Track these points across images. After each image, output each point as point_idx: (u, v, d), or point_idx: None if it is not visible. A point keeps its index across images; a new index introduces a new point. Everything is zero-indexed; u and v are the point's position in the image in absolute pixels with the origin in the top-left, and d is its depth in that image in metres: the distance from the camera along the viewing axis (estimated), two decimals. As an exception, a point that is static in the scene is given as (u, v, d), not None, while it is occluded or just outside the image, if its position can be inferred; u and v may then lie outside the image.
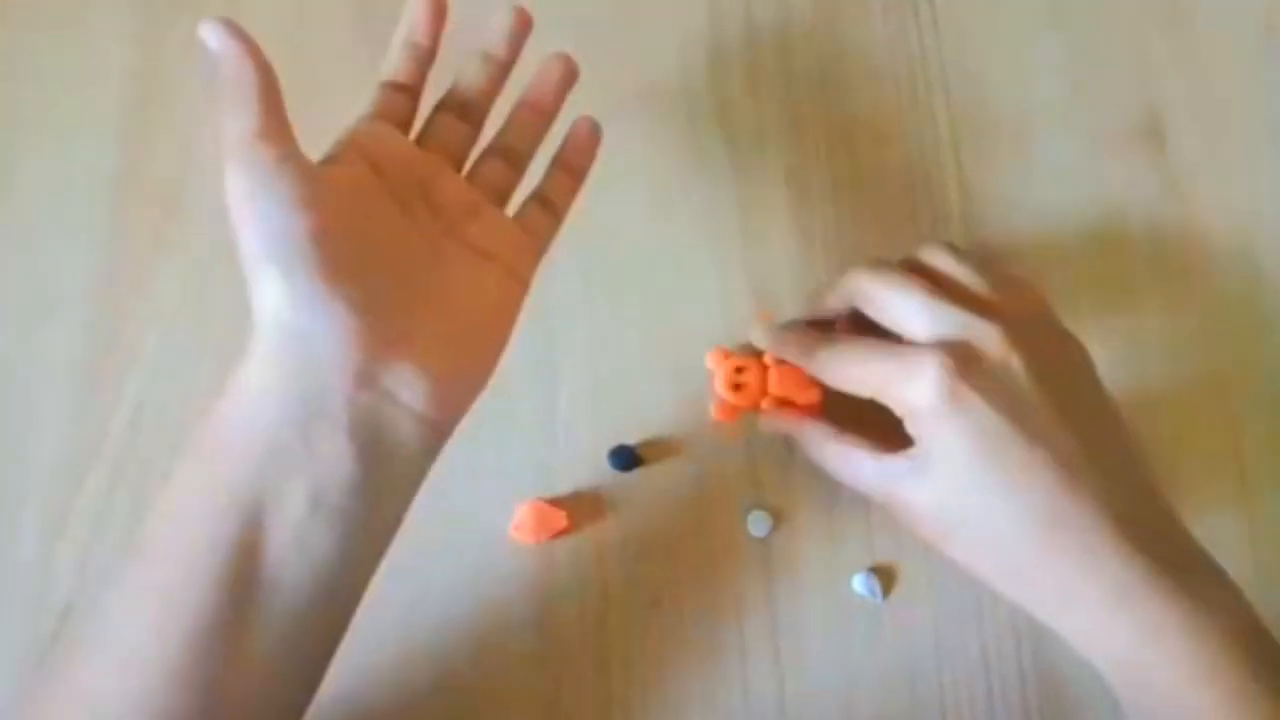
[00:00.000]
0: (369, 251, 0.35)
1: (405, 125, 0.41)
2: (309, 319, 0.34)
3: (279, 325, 0.34)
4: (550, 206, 0.43)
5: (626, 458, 0.47)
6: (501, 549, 0.46)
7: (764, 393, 0.47)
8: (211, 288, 0.51)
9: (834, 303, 0.43)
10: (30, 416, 0.49)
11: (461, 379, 0.38)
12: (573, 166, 0.44)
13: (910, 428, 0.38)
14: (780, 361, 0.48)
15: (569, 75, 0.44)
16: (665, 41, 0.55)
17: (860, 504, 0.47)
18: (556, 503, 0.47)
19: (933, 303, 0.38)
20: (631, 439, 0.48)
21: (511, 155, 0.43)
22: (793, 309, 0.50)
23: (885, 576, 0.46)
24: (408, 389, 0.35)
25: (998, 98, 0.54)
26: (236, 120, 0.35)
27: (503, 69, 0.43)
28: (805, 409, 0.44)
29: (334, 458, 0.34)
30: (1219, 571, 0.37)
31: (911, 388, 0.37)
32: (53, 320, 0.51)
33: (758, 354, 0.48)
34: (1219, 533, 0.40)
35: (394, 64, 0.42)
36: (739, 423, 0.47)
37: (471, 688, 0.45)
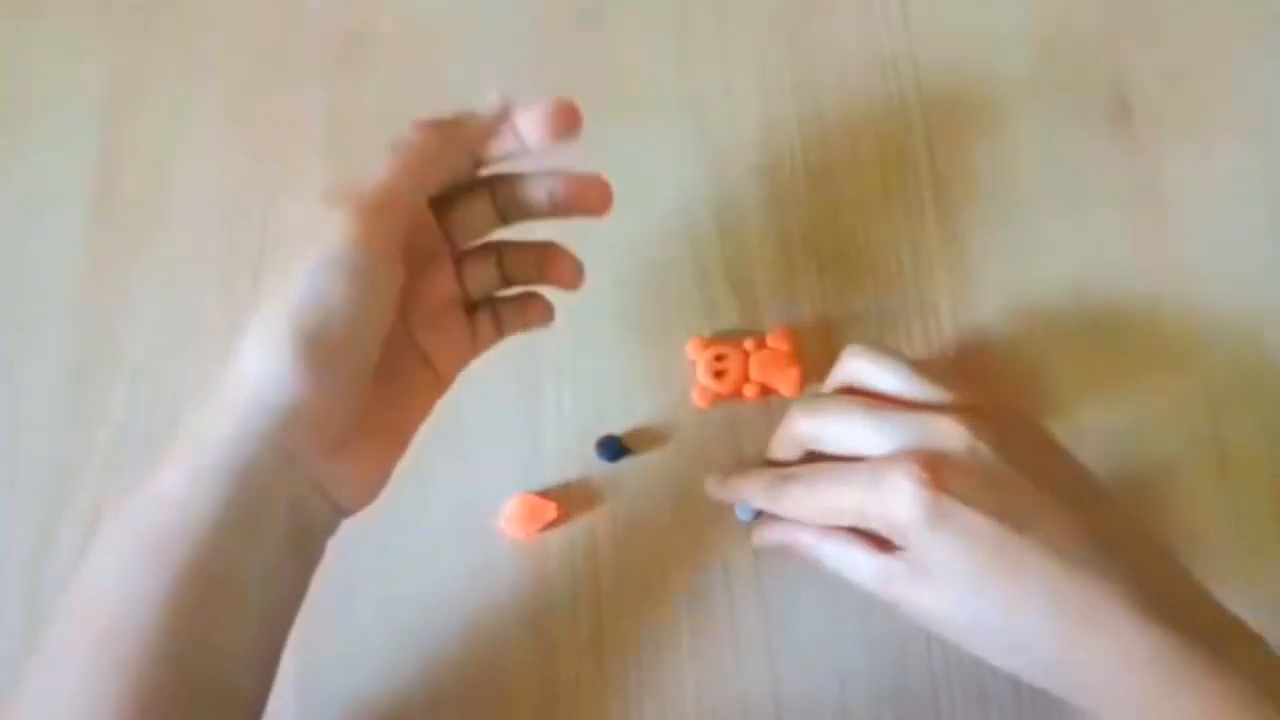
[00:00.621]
0: (370, 346, 0.35)
1: (440, 181, 0.39)
2: (293, 405, 0.33)
3: (260, 394, 0.33)
4: (502, 325, 0.42)
5: (614, 448, 0.47)
6: (492, 542, 0.47)
7: (745, 378, 0.48)
8: (194, 293, 0.51)
9: (785, 453, 0.42)
10: (17, 426, 0.49)
11: (383, 477, 0.38)
12: (539, 309, 0.44)
13: (899, 541, 0.37)
14: (760, 347, 0.48)
15: (603, 205, 0.41)
16: (634, 36, 0.55)
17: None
18: (546, 495, 0.47)
19: (878, 419, 0.38)
20: (618, 429, 0.48)
21: (511, 274, 0.42)
22: (769, 302, 0.50)
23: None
24: (339, 487, 0.36)
25: (968, 84, 0.55)
26: (389, 182, 0.35)
27: (566, 206, 0.40)
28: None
29: (272, 541, 0.34)
30: (1244, 628, 0.36)
31: (889, 507, 0.36)
32: (37, 330, 0.51)
33: (737, 341, 0.48)
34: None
35: (483, 130, 0.39)
36: (720, 409, 0.47)
37: (466, 680, 0.45)
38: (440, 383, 0.40)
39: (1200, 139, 0.53)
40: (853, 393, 0.41)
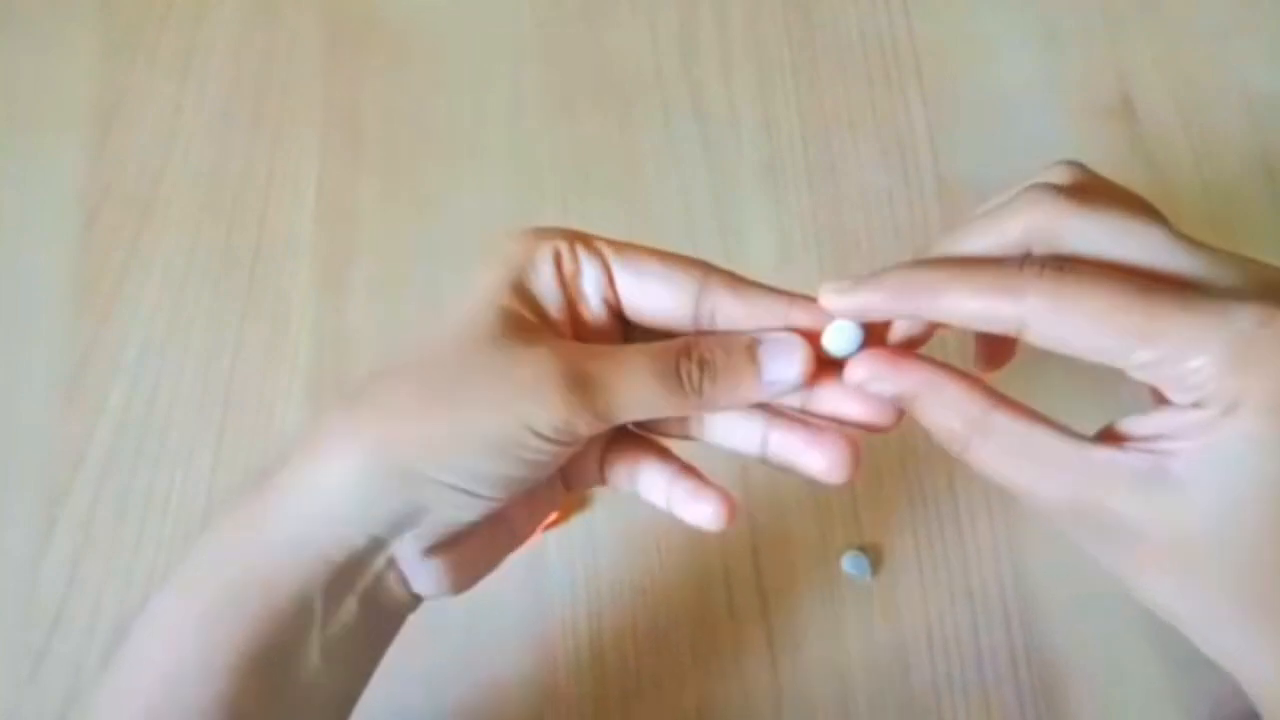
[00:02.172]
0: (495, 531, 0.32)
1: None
2: (403, 510, 0.29)
3: (365, 492, 0.28)
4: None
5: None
6: (491, 543, 0.47)
7: None
8: (189, 296, 0.51)
9: (1007, 232, 0.28)
10: (14, 428, 0.49)
11: (480, 575, 0.33)
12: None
13: (1173, 409, 0.25)
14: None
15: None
16: (637, 32, 0.55)
17: (847, 483, 0.47)
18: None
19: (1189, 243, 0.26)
20: (617, 429, 0.48)
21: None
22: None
23: (873, 555, 0.46)
24: (425, 582, 0.31)
25: (969, 79, 0.55)
26: (631, 392, 0.29)
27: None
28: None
29: (345, 620, 0.30)
30: None
31: (1202, 342, 0.24)
32: (33, 332, 0.51)
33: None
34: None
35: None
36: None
37: (465, 678, 0.45)
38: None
39: (1201, 136, 0.53)
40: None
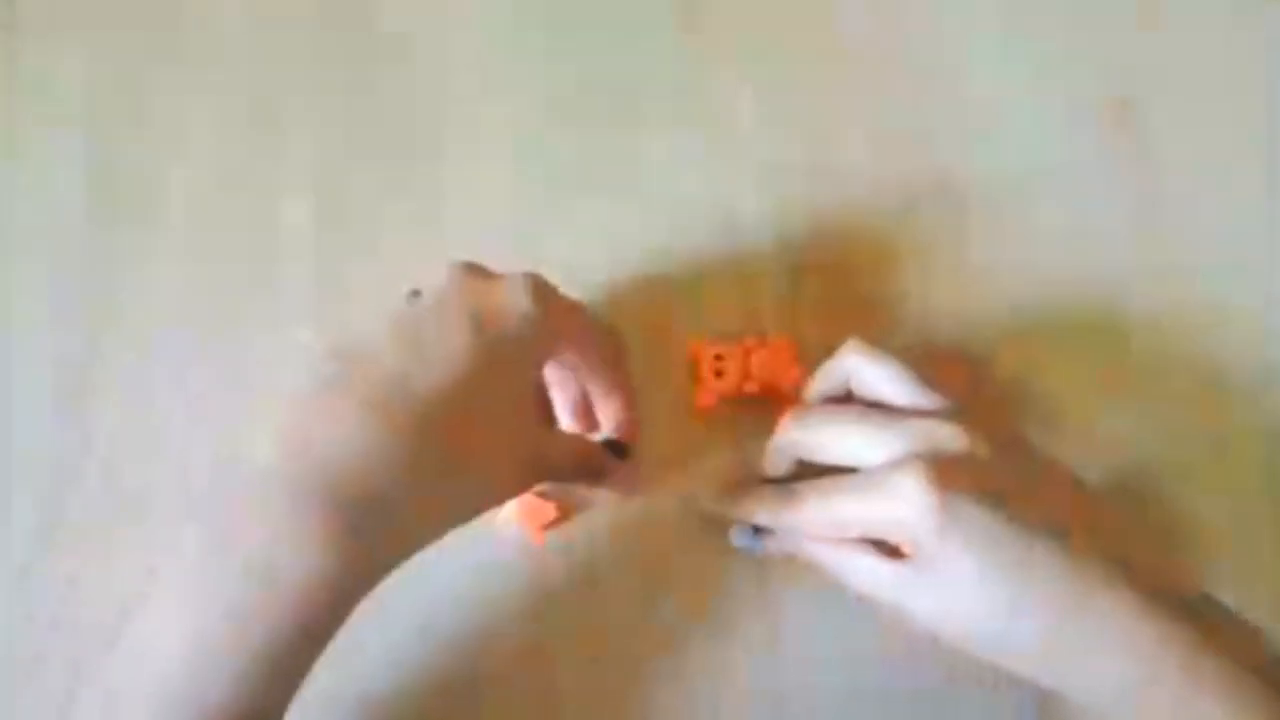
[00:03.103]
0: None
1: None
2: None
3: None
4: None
5: (614, 448, 0.47)
6: (492, 542, 0.47)
7: (745, 378, 0.47)
8: (191, 295, 0.51)
9: (778, 467, 0.42)
10: (12, 433, 0.49)
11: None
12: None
13: (907, 547, 0.37)
14: (760, 347, 0.48)
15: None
16: (636, 32, 0.56)
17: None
18: (546, 495, 0.47)
19: (876, 427, 0.38)
20: (617, 429, 0.48)
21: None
22: (769, 302, 0.50)
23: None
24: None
25: (967, 77, 0.55)
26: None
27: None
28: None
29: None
30: (1245, 622, 0.36)
31: (897, 510, 0.36)
32: (33, 333, 0.50)
33: (737, 341, 0.48)
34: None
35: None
36: (721, 409, 0.47)
37: (466, 680, 0.45)
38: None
39: (1201, 135, 0.53)
40: (843, 397, 0.42)
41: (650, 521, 0.47)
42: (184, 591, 0.33)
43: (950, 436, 0.37)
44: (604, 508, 0.47)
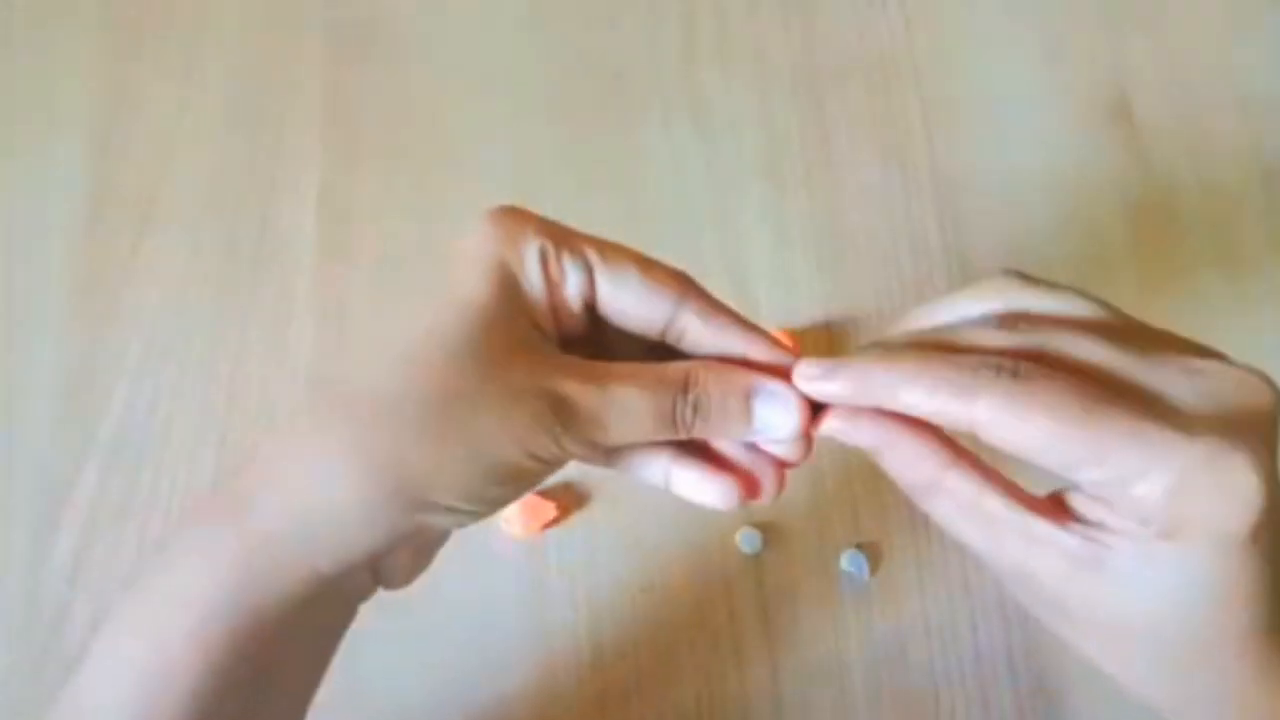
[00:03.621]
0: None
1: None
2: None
3: (369, 516, 0.28)
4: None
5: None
6: (493, 540, 0.47)
7: None
8: (192, 293, 0.51)
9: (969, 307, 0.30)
10: (16, 427, 0.49)
11: (429, 560, 0.33)
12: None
13: (1117, 512, 0.26)
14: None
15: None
16: (635, 32, 0.56)
17: (845, 483, 0.47)
18: (546, 494, 0.47)
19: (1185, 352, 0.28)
20: (617, 429, 0.48)
21: None
22: (769, 302, 0.50)
23: (871, 554, 0.46)
24: (391, 572, 0.31)
25: (968, 80, 0.55)
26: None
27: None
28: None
29: (322, 617, 0.31)
30: None
31: (1147, 472, 0.25)
32: (35, 333, 0.51)
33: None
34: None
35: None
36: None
37: (466, 678, 0.45)
38: None
39: (1198, 138, 0.53)
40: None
41: (650, 521, 0.47)
42: (130, 643, 0.29)
43: (1266, 397, 0.26)
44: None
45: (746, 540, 0.46)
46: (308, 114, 0.54)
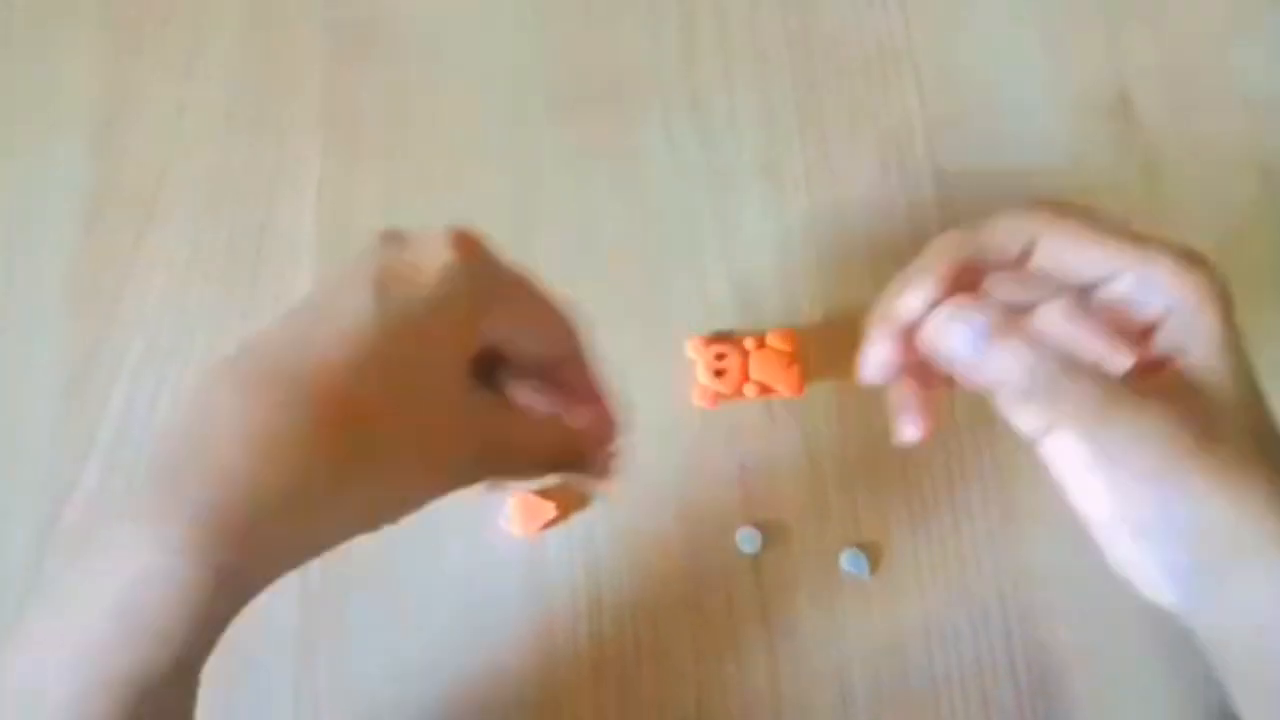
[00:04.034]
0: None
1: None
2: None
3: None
4: None
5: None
6: (493, 540, 0.47)
7: (745, 378, 0.47)
8: (192, 294, 0.51)
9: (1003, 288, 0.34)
10: (17, 426, 0.49)
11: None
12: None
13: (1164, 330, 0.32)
14: (760, 347, 0.48)
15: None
16: (635, 32, 0.56)
17: (845, 483, 0.47)
18: (545, 494, 0.47)
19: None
20: (617, 429, 0.48)
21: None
22: (769, 302, 0.50)
23: (872, 554, 0.46)
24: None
25: (968, 78, 0.55)
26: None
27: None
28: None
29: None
30: None
31: (1161, 258, 0.33)
32: (36, 333, 0.51)
33: (737, 341, 0.48)
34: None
35: None
36: (720, 409, 0.47)
37: (466, 678, 0.45)
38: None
39: (1199, 137, 0.53)
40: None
41: (650, 522, 0.47)
42: (44, 637, 0.28)
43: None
44: (598, 496, 0.45)
45: (746, 540, 0.46)
46: (308, 114, 0.54)
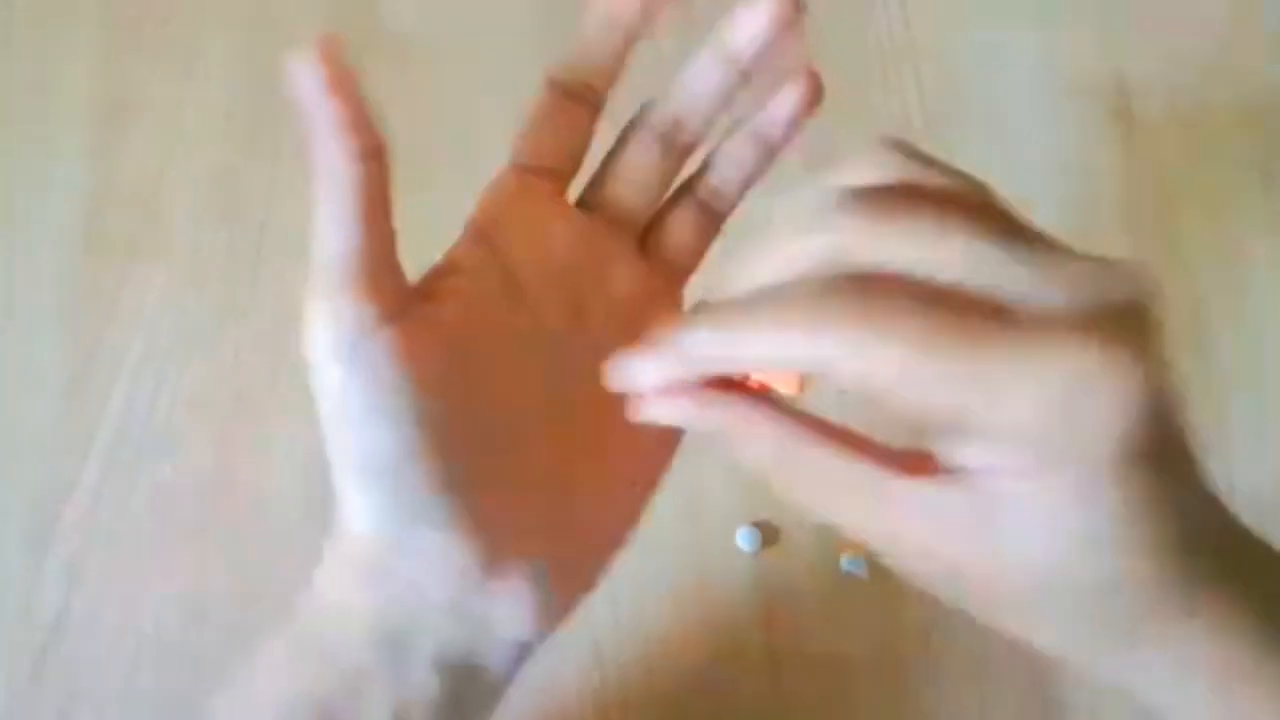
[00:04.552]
0: (484, 432, 0.27)
1: (575, 158, 0.31)
2: (403, 542, 0.27)
3: (366, 543, 0.27)
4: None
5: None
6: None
7: (745, 378, 0.47)
8: (192, 293, 0.51)
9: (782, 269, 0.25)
10: (16, 427, 0.49)
11: (571, 597, 0.30)
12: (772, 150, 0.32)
13: (990, 448, 0.22)
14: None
15: (814, 100, 0.32)
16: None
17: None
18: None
19: (1028, 244, 0.23)
20: (617, 429, 0.48)
21: (713, 206, 0.32)
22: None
23: (872, 553, 0.46)
24: (507, 621, 0.28)
25: (968, 77, 0.55)
26: (320, 246, 0.27)
27: (742, 79, 0.31)
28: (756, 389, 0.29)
29: (417, 683, 0.28)
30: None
31: (1023, 390, 0.21)
32: (35, 333, 0.51)
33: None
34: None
35: (583, 51, 0.31)
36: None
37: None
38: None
39: (1199, 137, 0.53)
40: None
41: (648, 523, 0.47)
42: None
43: (1129, 282, 0.22)
44: None
45: (746, 540, 0.46)
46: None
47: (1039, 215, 0.56)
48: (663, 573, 0.46)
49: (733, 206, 0.33)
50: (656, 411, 0.26)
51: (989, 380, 0.21)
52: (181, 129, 0.54)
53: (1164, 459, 0.21)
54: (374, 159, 0.29)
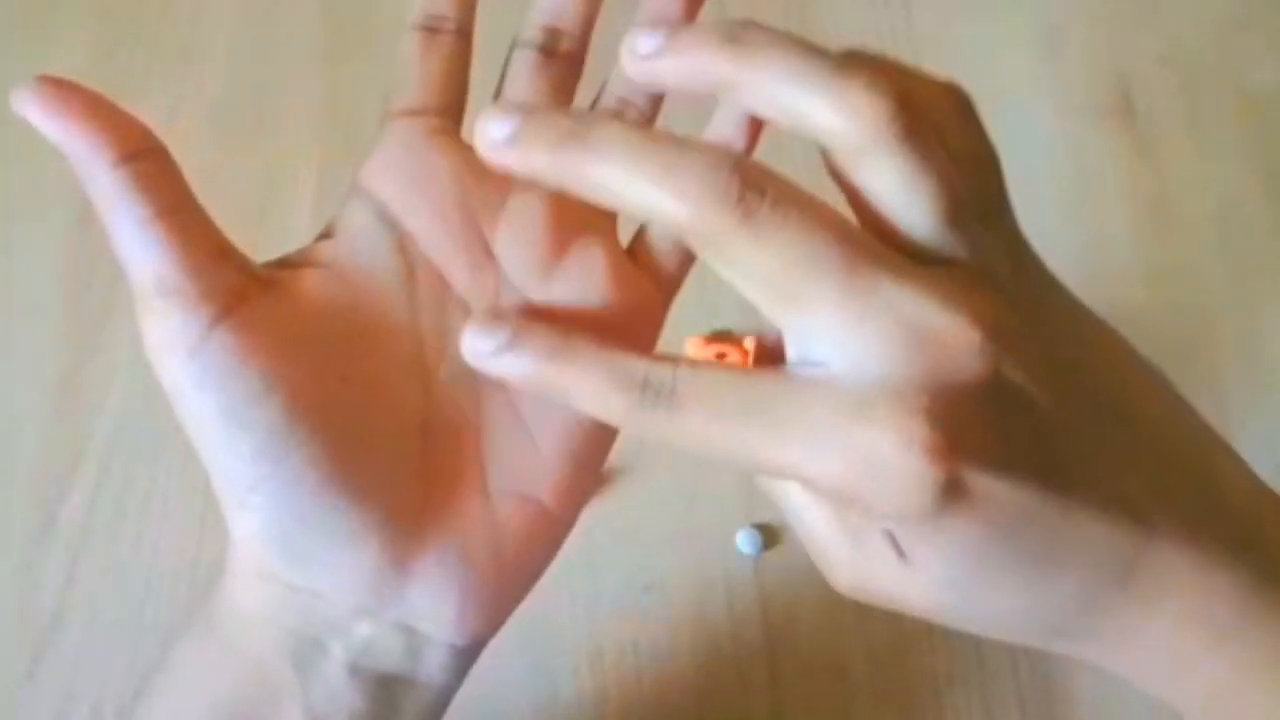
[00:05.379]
0: (366, 417, 0.25)
1: (452, 89, 0.30)
2: (293, 549, 0.25)
3: (257, 551, 0.25)
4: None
5: (612, 446, 0.47)
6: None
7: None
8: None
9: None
10: (11, 425, 0.49)
11: (504, 591, 0.28)
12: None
13: (879, 521, 0.23)
14: (760, 346, 0.48)
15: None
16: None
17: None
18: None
19: (846, 276, 0.21)
20: (616, 428, 0.48)
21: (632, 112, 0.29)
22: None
23: (872, 554, 0.46)
24: (430, 621, 0.26)
25: (969, 78, 0.54)
26: (125, 264, 0.25)
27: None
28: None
29: (334, 690, 0.26)
30: None
31: (880, 492, 0.20)
32: (31, 331, 0.51)
33: (737, 341, 0.48)
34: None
35: None
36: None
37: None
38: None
39: (1201, 136, 0.53)
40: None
41: (648, 523, 0.47)
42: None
43: (963, 348, 0.21)
44: None
45: (746, 540, 0.46)
46: (307, 114, 0.54)
47: (1039, 215, 0.56)
48: (662, 574, 0.46)
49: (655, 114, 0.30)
50: (492, 369, 0.24)
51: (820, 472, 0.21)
52: (178, 127, 0.54)
53: (990, 500, 0.21)
54: (140, 159, 0.26)
